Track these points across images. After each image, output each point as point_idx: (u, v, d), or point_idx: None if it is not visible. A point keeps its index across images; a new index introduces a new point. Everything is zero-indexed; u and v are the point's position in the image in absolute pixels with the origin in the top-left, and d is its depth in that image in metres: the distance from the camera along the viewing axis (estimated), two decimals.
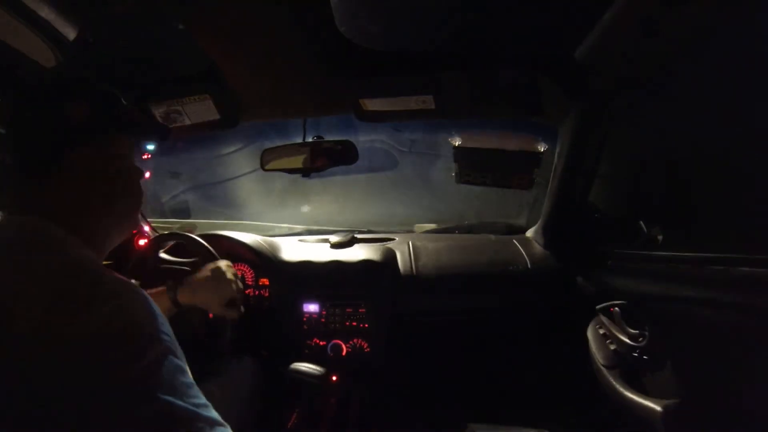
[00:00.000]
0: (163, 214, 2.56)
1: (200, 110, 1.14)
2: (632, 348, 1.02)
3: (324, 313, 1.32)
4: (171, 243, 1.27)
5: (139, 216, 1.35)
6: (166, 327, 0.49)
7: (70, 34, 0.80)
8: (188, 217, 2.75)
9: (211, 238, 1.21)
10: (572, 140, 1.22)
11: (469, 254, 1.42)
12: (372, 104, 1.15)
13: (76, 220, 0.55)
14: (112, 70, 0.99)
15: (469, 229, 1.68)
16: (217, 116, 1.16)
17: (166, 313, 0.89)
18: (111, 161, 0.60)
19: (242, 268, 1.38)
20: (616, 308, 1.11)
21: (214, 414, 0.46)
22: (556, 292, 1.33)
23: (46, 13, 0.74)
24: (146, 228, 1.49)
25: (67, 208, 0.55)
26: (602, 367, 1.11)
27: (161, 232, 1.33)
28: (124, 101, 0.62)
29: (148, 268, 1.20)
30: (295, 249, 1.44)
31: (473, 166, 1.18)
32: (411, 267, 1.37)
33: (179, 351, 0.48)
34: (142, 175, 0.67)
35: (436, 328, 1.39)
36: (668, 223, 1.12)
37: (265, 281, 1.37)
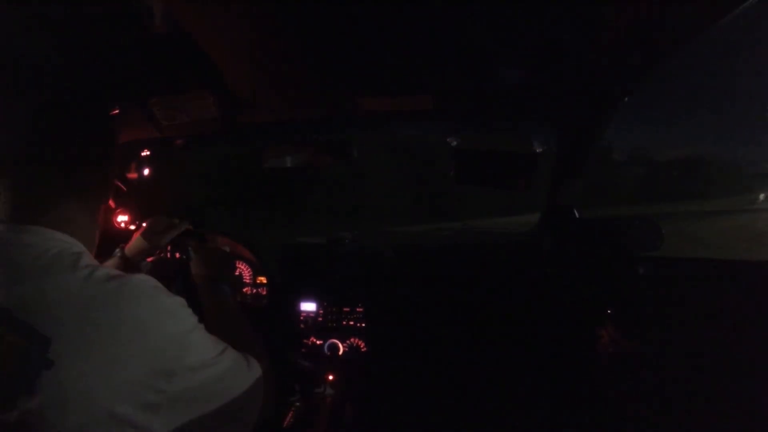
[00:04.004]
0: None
1: (199, 108, 1.14)
2: (630, 350, 1.02)
3: (321, 312, 1.32)
4: None
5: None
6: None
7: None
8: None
9: (211, 236, 1.21)
10: (572, 141, 1.22)
11: (467, 255, 1.43)
12: (370, 104, 1.15)
13: (77, 227, 0.55)
14: (112, 66, 0.99)
15: (467, 230, 1.68)
16: (216, 115, 1.16)
17: None
18: (115, 170, 0.61)
19: (240, 266, 1.38)
20: (616, 310, 1.11)
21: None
22: (555, 293, 1.33)
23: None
24: (144, 225, 1.49)
25: (71, 215, 0.54)
26: (601, 369, 1.11)
27: None
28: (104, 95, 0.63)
29: (144, 266, 1.20)
30: (293, 248, 1.44)
31: (471, 166, 1.18)
32: (408, 267, 1.38)
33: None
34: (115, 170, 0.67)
35: (433, 328, 1.39)
36: (667, 225, 1.12)
37: (263, 279, 1.38)
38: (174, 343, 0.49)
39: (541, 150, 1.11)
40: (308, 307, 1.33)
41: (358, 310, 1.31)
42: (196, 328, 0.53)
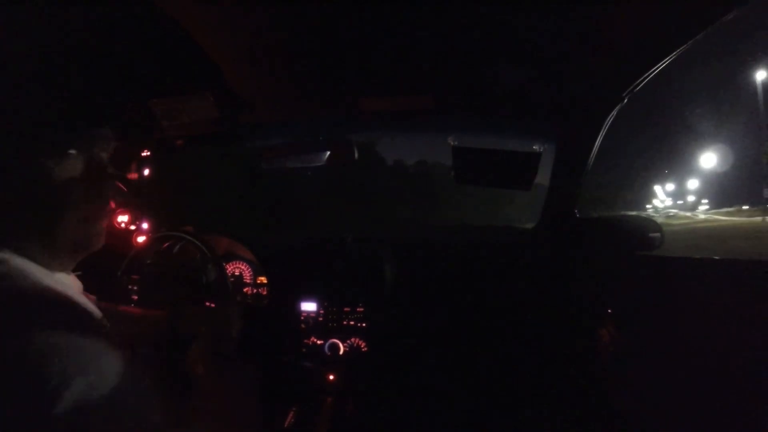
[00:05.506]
0: None
1: (200, 108, 1.14)
2: (631, 350, 1.02)
3: (322, 312, 1.32)
4: (169, 242, 1.27)
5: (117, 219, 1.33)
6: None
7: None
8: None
9: (211, 238, 1.21)
10: (572, 141, 1.22)
11: (467, 255, 1.43)
12: (371, 103, 1.15)
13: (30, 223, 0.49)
14: (112, 67, 0.99)
15: (468, 230, 1.68)
16: (216, 114, 1.17)
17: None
18: (76, 161, 0.52)
19: (240, 266, 1.38)
20: (616, 310, 1.11)
21: None
22: (556, 293, 1.33)
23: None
24: (144, 225, 1.49)
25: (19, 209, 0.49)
26: (601, 370, 1.12)
27: (160, 229, 1.33)
28: (103, 96, 0.58)
29: (144, 267, 1.20)
30: (293, 248, 1.44)
31: (472, 166, 1.18)
32: (409, 267, 1.38)
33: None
34: (114, 182, 0.58)
35: (434, 327, 1.39)
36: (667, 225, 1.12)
37: (263, 280, 1.38)
38: (57, 356, 0.38)
39: (541, 150, 1.11)
40: (309, 307, 1.33)
41: (358, 310, 1.31)
42: (109, 350, 0.42)
